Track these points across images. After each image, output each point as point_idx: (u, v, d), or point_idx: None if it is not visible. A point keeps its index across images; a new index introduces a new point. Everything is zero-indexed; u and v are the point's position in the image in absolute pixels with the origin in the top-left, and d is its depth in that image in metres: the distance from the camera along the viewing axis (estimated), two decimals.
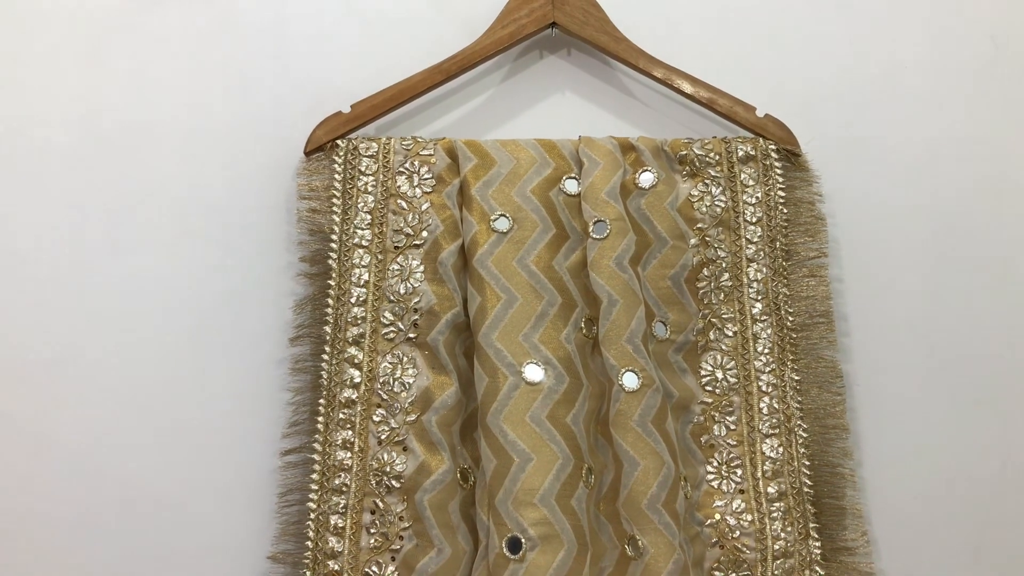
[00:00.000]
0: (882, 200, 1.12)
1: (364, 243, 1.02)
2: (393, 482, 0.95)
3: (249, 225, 1.06)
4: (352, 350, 0.99)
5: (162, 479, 1.00)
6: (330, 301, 1.00)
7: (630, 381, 0.96)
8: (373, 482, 0.96)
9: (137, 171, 1.07)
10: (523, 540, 0.91)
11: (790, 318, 1.04)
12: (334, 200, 1.03)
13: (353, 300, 1.00)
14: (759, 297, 1.04)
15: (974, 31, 1.16)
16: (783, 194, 1.07)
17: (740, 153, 1.07)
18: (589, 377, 0.99)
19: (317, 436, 0.97)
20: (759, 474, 1.00)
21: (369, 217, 1.03)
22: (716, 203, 1.06)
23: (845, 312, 1.09)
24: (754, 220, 1.06)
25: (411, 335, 0.99)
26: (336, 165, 1.04)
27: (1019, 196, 1.13)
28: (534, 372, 0.95)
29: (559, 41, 1.14)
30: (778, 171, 1.07)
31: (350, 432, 0.97)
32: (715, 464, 1.01)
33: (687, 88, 1.09)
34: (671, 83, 1.09)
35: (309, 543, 0.95)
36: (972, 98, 1.15)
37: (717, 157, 1.07)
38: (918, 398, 1.08)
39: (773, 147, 1.08)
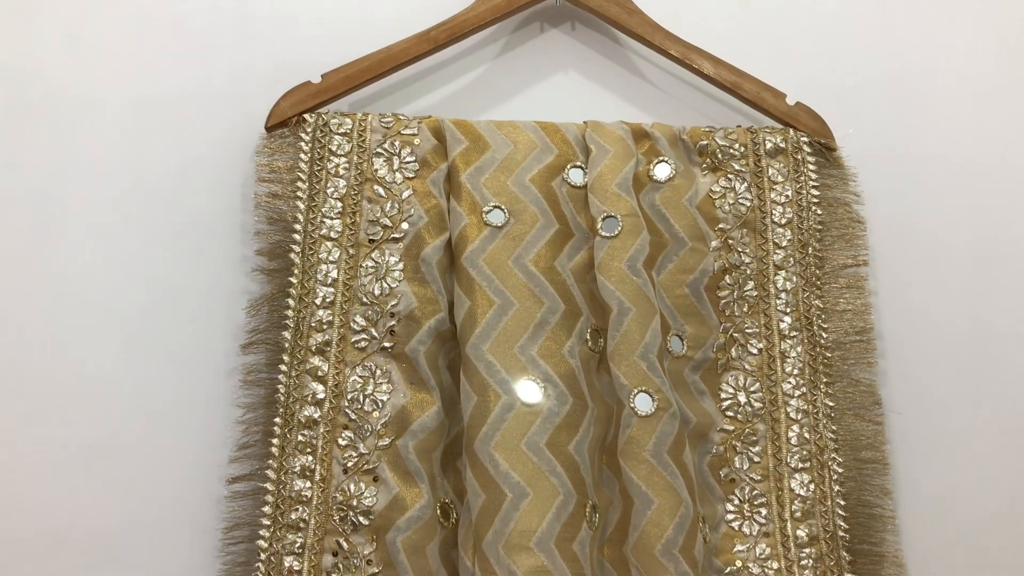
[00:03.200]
0: (923, 205, 1.03)
1: (333, 235, 0.91)
2: (361, 518, 0.84)
3: (198, 211, 0.97)
4: (315, 360, 0.88)
5: (87, 508, 0.90)
6: (291, 302, 0.90)
7: (643, 404, 0.85)
8: (336, 518, 0.84)
9: (70, 147, 0.98)
10: None
11: (823, 335, 0.93)
12: (299, 184, 0.92)
13: (318, 301, 0.89)
14: (788, 310, 0.94)
15: (1021, 31, 1.08)
16: (816, 193, 0.97)
17: (768, 145, 0.97)
18: (594, 397, 0.88)
19: (271, 461, 0.86)
20: (787, 515, 0.89)
21: (340, 205, 0.92)
22: (741, 201, 0.95)
23: (880, 330, 0.99)
24: (783, 222, 0.96)
25: (386, 344, 0.88)
26: (303, 143, 0.94)
27: None
28: (531, 391, 0.85)
29: (563, 12, 1.05)
30: (811, 167, 0.97)
31: (310, 458, 0.86)
32: (736, 502, 0.90)
33: (708, 69, 0.98)
34: (690, 63, 0.98)
35: None
36: (1020, 98, 1.07)
37: (742, 149, 0.97)
38: (962, 429, 0.98)
39: (805, 139, 0.98)
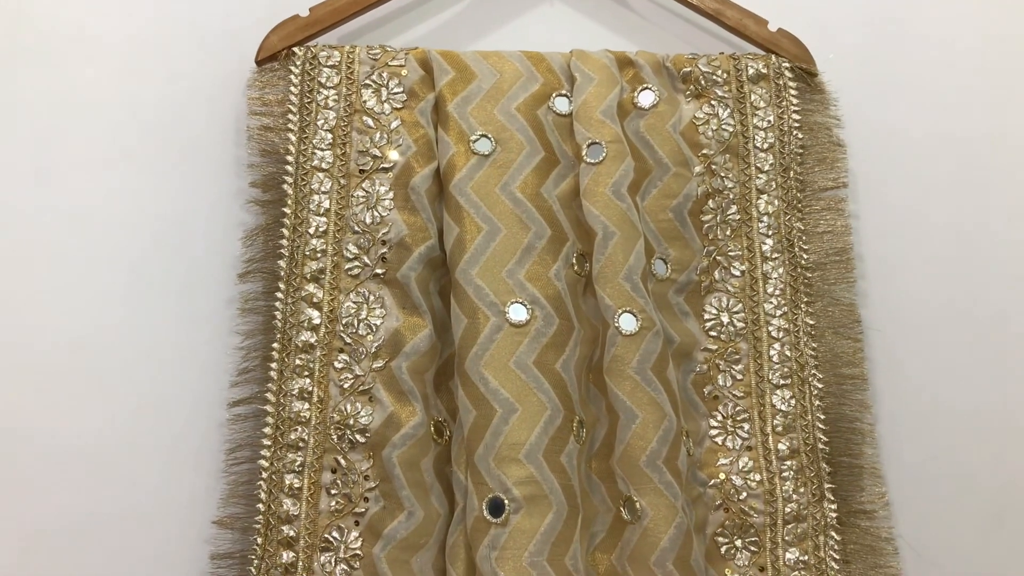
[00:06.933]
0: (904, 128, 1.03)
1: (324, 166, 0.92)
2: (357, 436, 0.86)
3: (192, 146, 0.97)
4: (310, 287, 0.90)
5: (94, 435, 0.92)
6: (285, 232, 0.91)
7: (627, 323, 0.86)
8: (334, 437, 0.86)
9: (66, 86, 0.98)
10: (506, 501, 0.82)
11: (804, 256, 0.95)
12: (290, 116, 0.93)
13: (312, 231, 0.91)
14: (770, 232, 0.95)
15: None
16: (798, 118, 0.98)
17: (751, 71, 0.98)
18: (581, 319, 0.90)
19: (270, 385, 0.88)
20: (768, 429, 0.91)
21: (330, 136, 0.93)
22: (724, 127, 0.96)
23: (861, 252, 1.00)
24: (765, 146, 0.97)
25: (378, 271, 0.89)
26: (292, 76, 0.94)
27: None
28: (519, 312, 0.86)
29: None
30: (792, 92, 0.98)
31: (308, 380, 0.88)
32: (719, 418, 0.92)
33: None
34: None
35: (261, 506, 0.86)
36: (1002, 20, 1.06)
37: (725, 75, 0.98)
38: (940, 347, 0.99)
39: (787, 65, 0.99)
